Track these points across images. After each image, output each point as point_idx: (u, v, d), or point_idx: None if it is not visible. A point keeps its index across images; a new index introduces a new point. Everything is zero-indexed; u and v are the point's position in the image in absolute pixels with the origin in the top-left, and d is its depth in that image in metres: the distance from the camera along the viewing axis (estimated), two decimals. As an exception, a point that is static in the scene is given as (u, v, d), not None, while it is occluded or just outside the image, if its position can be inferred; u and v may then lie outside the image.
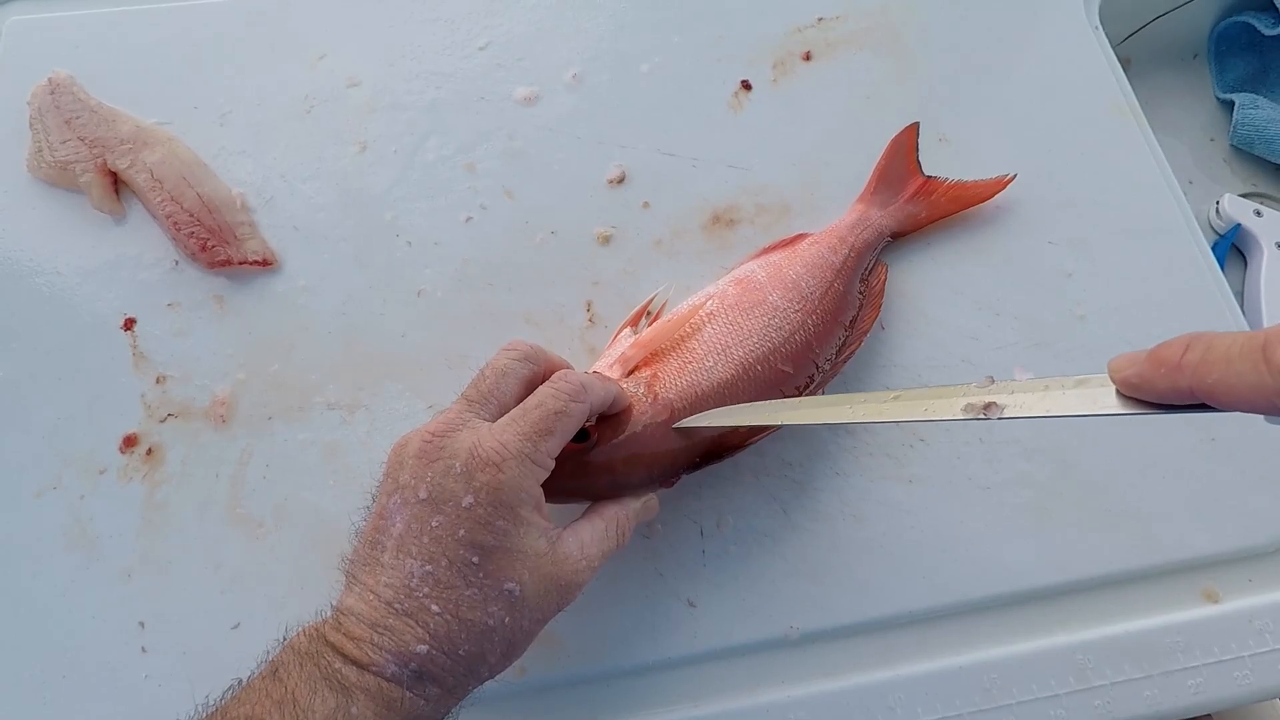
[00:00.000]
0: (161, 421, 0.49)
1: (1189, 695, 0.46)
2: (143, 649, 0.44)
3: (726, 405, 0.45)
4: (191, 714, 0.33)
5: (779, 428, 0.47)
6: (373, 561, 0.35)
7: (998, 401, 0.35)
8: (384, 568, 0.34)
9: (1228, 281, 0.65)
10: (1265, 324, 0.64)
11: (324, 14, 0.62)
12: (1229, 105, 0.75)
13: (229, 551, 0.46)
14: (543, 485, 0.37)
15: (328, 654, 0.33)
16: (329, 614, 0.35)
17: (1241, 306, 0.67)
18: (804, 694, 0.45)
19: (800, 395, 0.47)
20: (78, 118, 0.55)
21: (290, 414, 0.49)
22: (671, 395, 0.44)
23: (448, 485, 0.35)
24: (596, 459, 0.42)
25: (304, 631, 0.35)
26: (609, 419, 0.43)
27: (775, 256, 0.51)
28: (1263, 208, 0.69)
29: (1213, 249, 0.66)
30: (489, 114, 0.59)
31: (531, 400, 0.38)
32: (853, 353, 0.50)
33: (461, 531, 0.34)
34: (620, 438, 0.43)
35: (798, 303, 0.49)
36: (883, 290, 0.52)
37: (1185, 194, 0.61)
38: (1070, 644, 0.47)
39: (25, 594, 0.45)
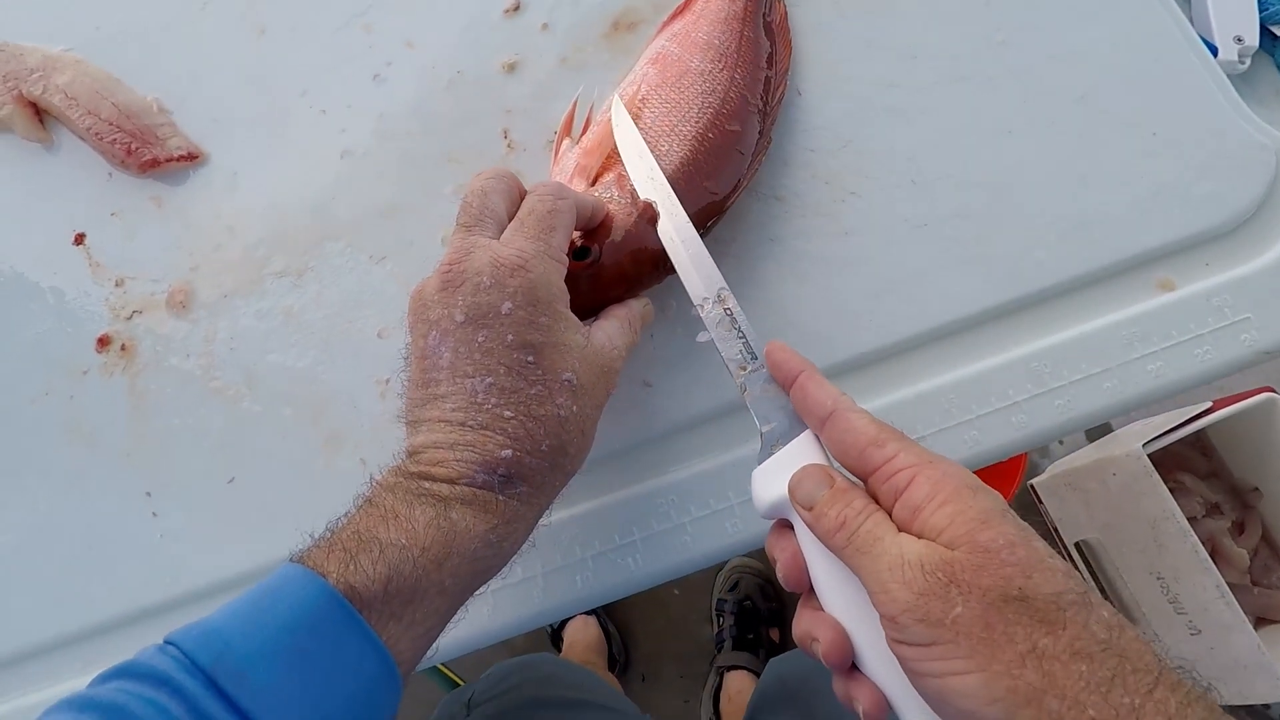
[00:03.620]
0: (128, 319, 0.51)
1: (1150, 380, 0.47)
2: (153, 514, 0.47)
3: (694, 180, 0.45)
4: (298, 544, 0.34)
5: (749, 180, 0.48)
6: (431, 398, 0.36)
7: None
8: (444, 397, 0.35)
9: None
10: (1213, 23, 0.61)
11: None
12: None
13: (212, 419, 0.49)
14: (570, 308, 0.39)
15: (416, 481, 0.34)
16: (402, 459, 0.36)
17: (1190, 8, 0.64)
18: (767, 444, 0.46)
19: (755, 149, 0.48)
20: (-13, 59, 0.56)
21: (244, 289, 0.52)
22: None
23: (482, 300, 0.35)
24: (606, 270, 0.43)
25: (387, 472, 0.36)
26: (601, 229, 0.44)
27: (678, 25, 0.51)
28: (1202, -94, 0.65)
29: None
30: (377, -29, 0.58)
31: (523, 209, 0.39)
32: (782, 93, 0.50)
33: (510, 336, 0.35)
34: (618, 242, 0.43)
35: (719, 61, 0.49)
36: (784, 22, 0.52)
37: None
38: (1025, 354, 0.48)
39: (39, 490, 0.49)
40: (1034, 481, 1.29)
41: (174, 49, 0.58)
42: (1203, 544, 1.02)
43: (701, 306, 0.39)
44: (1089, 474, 1.17)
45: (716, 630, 1.27)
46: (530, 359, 0.35)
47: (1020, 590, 0.27)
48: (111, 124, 0.54)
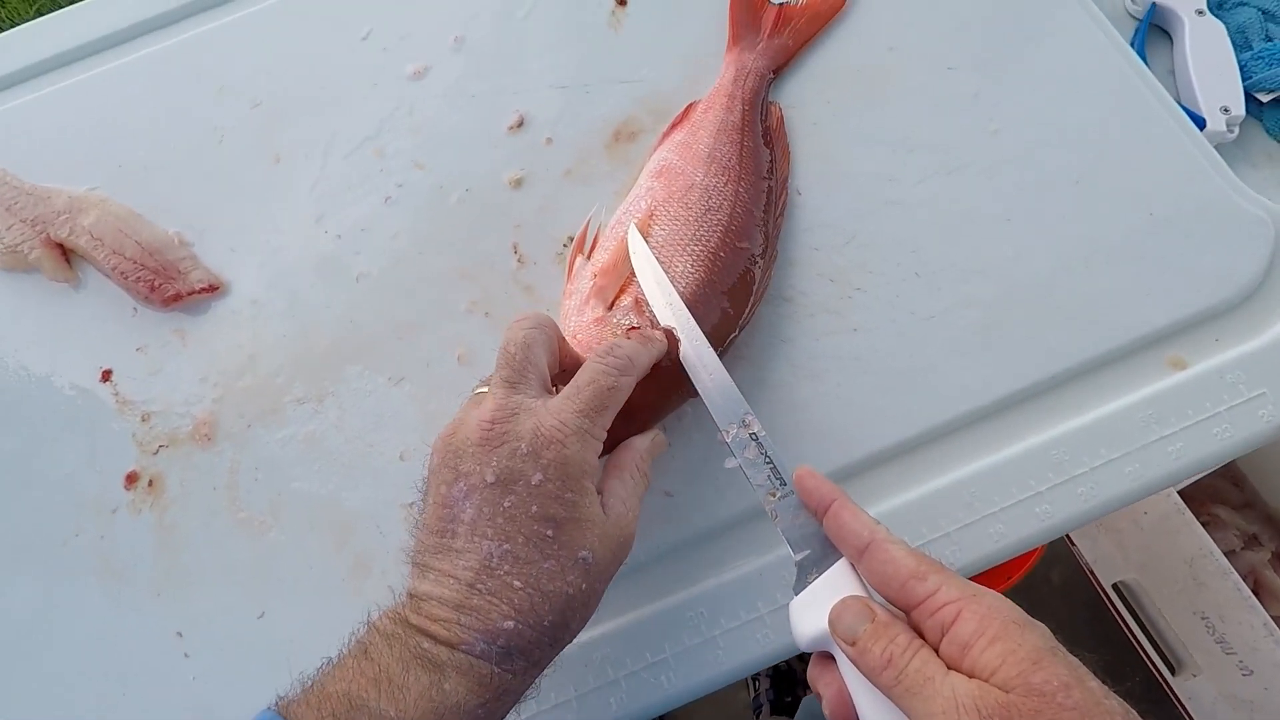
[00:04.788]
0: (155, 454, 0.52)
1: (1170, 461, 0.47)
2: (185, 655, 0.48)
3: (710, 301, 0.46)
4: (288, 689, 0.34)
5: (761, 296, 0.48)
6: (444, 548, 0.36)
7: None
8: (459, 552, 0.35)
9: (1161, 63, 0.65)
10: (1199, 96, 0.62)
11: (215, 50, 0.64)
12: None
13: (239, 552, 0.49)
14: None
15: (415, 636, 0.34)
16: (403, 600, 0.36)
17: (1175, 85, 0.65)
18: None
19: (763, 262, 0.49)
20: (15, 203, 0.58)
21: (266, 418, 0.52)
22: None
23: (516, 466, 0.35)
24: (633, 403, 0.43)
25: (385, 615, 0.36)
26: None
27: (679, 136, 0.53)
28: (1176, -21, 0.67)
29: (1133, 38, 0.65)
30: (385, 97, 0.61)
31: (583, 377, 0.39)
32: (784, 202, 0.52)
33: (534, 508, 0.35)
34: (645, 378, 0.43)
35: (722, 175, 0.50)
36: (781, 127, 0.54)
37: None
38: (1043, 442, 0.48)
39: (71, 632, 0.49)
40: (1062, 526, 1.28)
41: (193, 181, 0.60)
42: (1244, 579, 1.00)
43: (727, 432, 0.39)
44: (1119, 514, 1.15)
45: (753, 695, 1.24)
46: (549, 533, 0.35)
47: None
48: (135, 262, 0.55)
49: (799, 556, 0.36)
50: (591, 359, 0.40)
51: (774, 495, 0.37)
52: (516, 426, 0.36)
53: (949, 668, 0.29)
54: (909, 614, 0.32)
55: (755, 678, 1.25)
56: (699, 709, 1.28)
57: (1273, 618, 0.97)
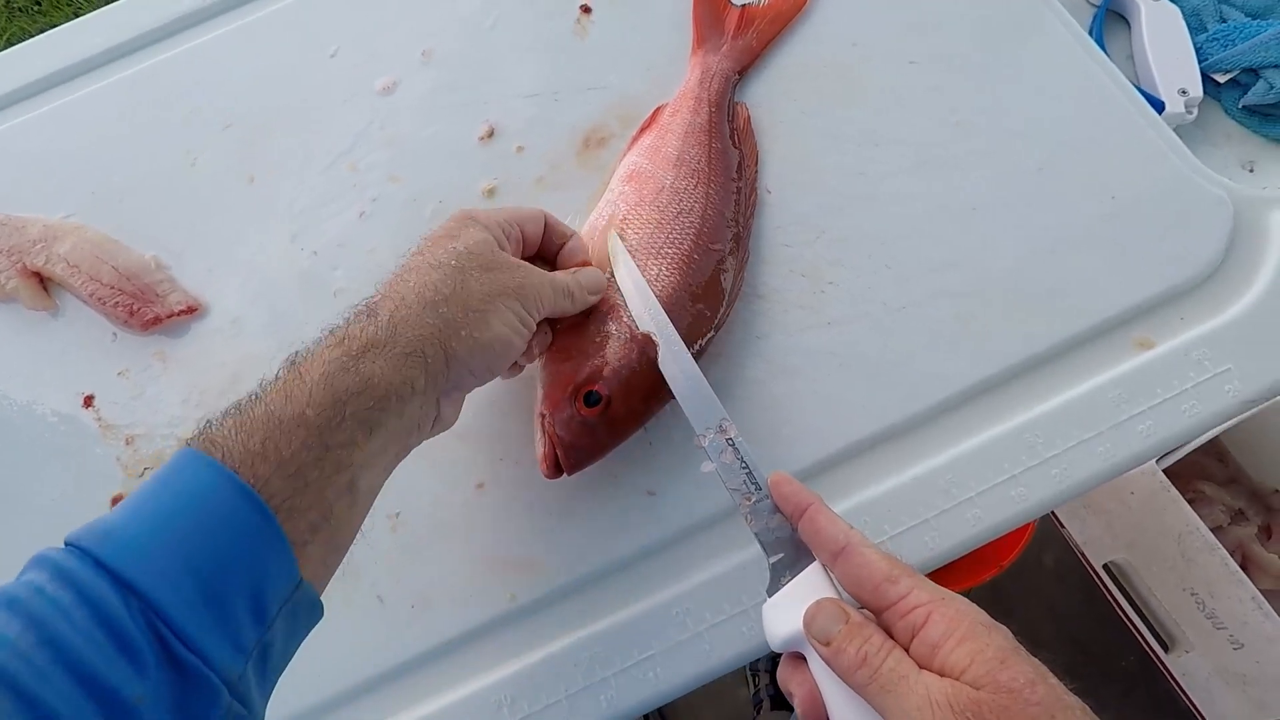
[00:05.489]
0: (140, 476, 0.53)
1: (1141, 440, 0.48)
2: (177, 673, 0.48)
3: (686, 303, 0.47)
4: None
5: (736, 296, 0.50)
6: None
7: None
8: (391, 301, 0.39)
9: (1119, 48, 0.66)
10: (1157, 80, 0.63)
11: (185, 73, 0.64)
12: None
13: (229, 569, 0.50)
14: (578, 450, 0.44)
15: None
16: None
17: (1134, 69, 0.67)
18: (774, 542, 0.47)
19: (735, 263, 0.50)
20: (-10, 234, 0.59)
21: (250, 435, 0.53)
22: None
23: (447, 258, 0.40)
24: (616, 410, 0.45)
25: None
26: (609, 373, 0.45)
27: (647, 140, 0.53)
28: (1131, -34, 0.68)
29: (1091, 26, 0.66)
30: (356, 112, 0.61)
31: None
32: (754, 202, 0.52)
33: (452, 261, 0.40)
34: (625, 380, 0.45)
35: (692, 177, 0.51)
36: (748, 127, 0.54)
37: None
38: (1016, 426, 0.49)
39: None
40: (1053, 506, 1.29)
41: (167, 204, 0.60)
42: (1232, 554, 1.02)
43: (704, 437, 0.40)
44: (1106, 495, 1.16)
45: (753, 691, 1.25)
46: (453, 262, 0.40)
47: None
48: (113, 287, 0.56)
49: (773, 559, 0.36)
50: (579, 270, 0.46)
51: (749, 500, 0.38)
52: (450, 225, 0.42)
53: (921, 666, 0.30)
54: (879, 616, 0.33)
55: (755, 674, 1.25)
56: (700, 705, 1.29)
57: (1261, 591, 0.99)
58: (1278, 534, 1.15)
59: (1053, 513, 1.28)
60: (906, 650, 0.31)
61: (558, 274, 0.45)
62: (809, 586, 0.34)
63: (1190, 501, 1.04)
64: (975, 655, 0.29)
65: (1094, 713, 0.29)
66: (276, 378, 0.35)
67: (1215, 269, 0.51)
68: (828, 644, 0.32)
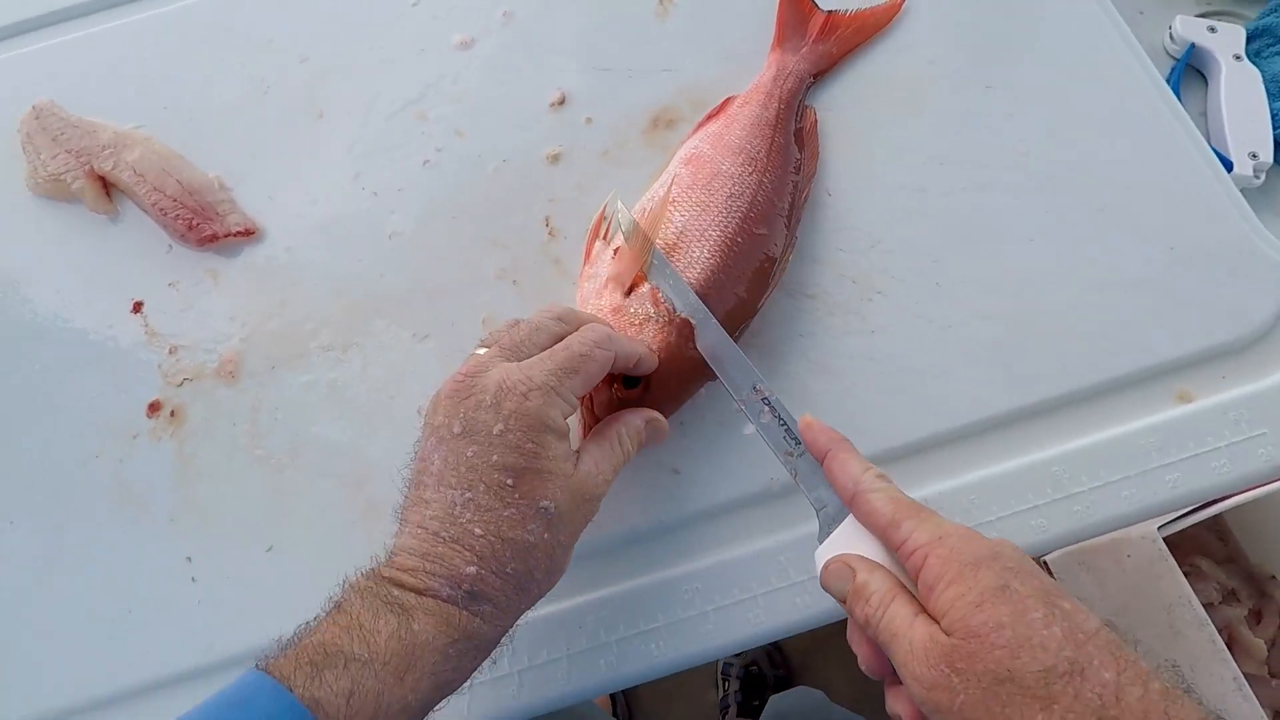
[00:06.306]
0: (179, 386, 0.54)
1: (1167, 490, 0.48)
2: (192, 579, 0.49)
3: (726, 285, 0.48)
4: (269, 649, 0.34)
5: (777, 283, 0.50)
6: (417, 500, 0.37)
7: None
8: (428, 503, 0.37)
9: (1195, 104, 0.66)
10: (1229, 140, 0.63)
11: (268, 3, 0.65)
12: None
13: (254, 487, 0.51)
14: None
15: (385, 586, 0.35)
16: (384, 558, 0.37)
17: (1206, 126, 0.66)
18: (790, 538, 0.47)
19: (780, 249, 0.50)
20: (62, 134, 0.60)
21: (291, 362, 0.54)
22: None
23: (479, 417, 0.37)
24: (654, 394, 0.45)
25: (362, 574, 0.37)
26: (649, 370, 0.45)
27: (713, 127, 0.54)
28: (1217, 23, 0.68)
29: (1169, 76, 0.66)
30: (431, 64, 0.62)
31: (560, 344, 0.40)
32: (807, 196, 0.53)
33: (495, 457, 0.36)
34: (662, 365, 0.45)
35: (749, 165, 0.51)
36: (815, 130, 0.55)
37: (1136, 23, 0.62)
38: (1045, 458, 0.49)
39: (85, 551, 0.50)
40: (1048, 558, 1.29)
41: (237, 129, 0.61)
42: (1219, 633, 1.01)
43: (744, 401, 0.41)
44: (1103, 553, 1.16)
45: (721, 695, 1.26)
46: (509, 481, 0.36)
47: (1009, 672, 0.28)
48: (175, 200, 0.57)
49: (820, 510, 0.38)
50: (575, 333, 0.41)
51: (791, 454, 0.39)
52: (484, 380, 0.38)
53: (924, 609, 0.31)
54: (897, 556, 0.34)
55: (726, 679, 1.26)
56: (667, 705, 1.29)
57: (1244, 674, 0.98)
58: (1268, 620, 1.14)
59: (1044, 563, 1.28)
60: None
61: (614, 439, 0.42)
62: (849, 536, 0.36)
63: (1185, 574, 1.03)
64: (956, 600, 0.30)
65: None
66: (386, 649, 0.34)
67: (1265, 333, 0.51)
68: (844, 602, 0.33)
